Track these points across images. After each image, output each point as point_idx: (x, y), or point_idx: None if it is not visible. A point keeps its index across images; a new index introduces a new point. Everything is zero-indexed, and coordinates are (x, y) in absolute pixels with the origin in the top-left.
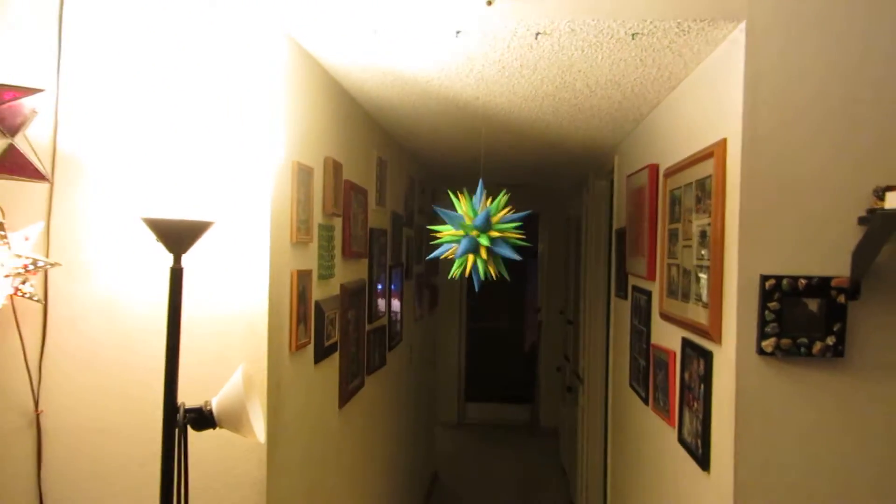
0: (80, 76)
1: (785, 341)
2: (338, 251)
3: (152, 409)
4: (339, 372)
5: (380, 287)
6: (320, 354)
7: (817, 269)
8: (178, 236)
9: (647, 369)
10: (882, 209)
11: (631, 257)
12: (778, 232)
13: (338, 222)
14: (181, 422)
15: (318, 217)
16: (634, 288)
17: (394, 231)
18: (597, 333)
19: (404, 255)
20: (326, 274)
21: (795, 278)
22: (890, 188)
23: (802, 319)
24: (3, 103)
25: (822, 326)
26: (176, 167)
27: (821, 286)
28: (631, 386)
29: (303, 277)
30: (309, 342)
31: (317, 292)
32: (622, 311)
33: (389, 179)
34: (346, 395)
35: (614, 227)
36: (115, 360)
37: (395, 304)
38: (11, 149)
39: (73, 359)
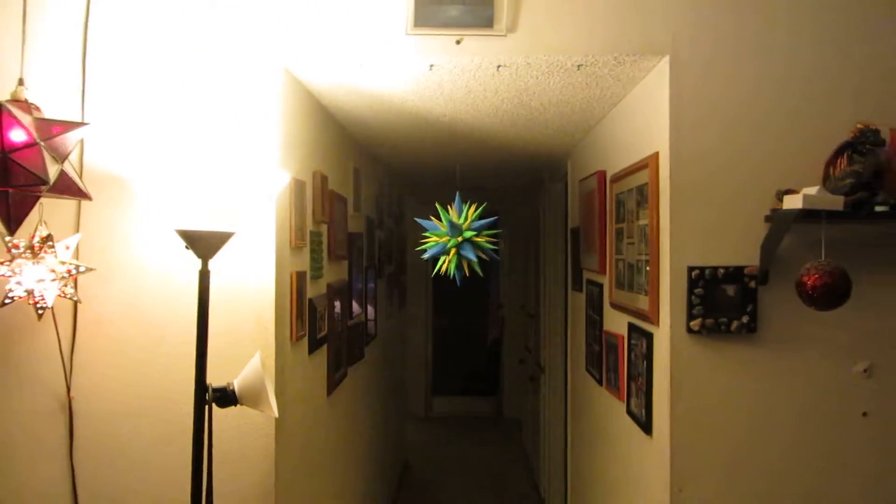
0: (102, 104)
1: (709, 321)
2: (325, 254)
3: (172, 394)
4: (328, 362)
5: (358, 286)
6: (313, 346)
7: (733, 260)
8: (206, 245)
9: (600, 353)
10: (781, 209)
11: (585, 254)
12: (701, 230)
13: (325, 228)
14: (209, 399)
15: (309, 224)
16: (588, 281)
17: (368, 234)
18: (556, 325)
19: (377, 256)
20: (316, 275)
21: (715, 268)
22: (788, 192)
23: (722, 302)
24: (54, 136)
25: (738, 308)
26: (198, 185)
27: (735, 274)
28: (587, 370)
29: (300, 278)
30: (305, 334)
31: (310, 291)
32: (578, 302)
33: (364, 186)
34: (332, 384)
35: (569, 226)
36: (138, 352)
37: (371, 301)
38: (62, 173)
39: (100, 350)
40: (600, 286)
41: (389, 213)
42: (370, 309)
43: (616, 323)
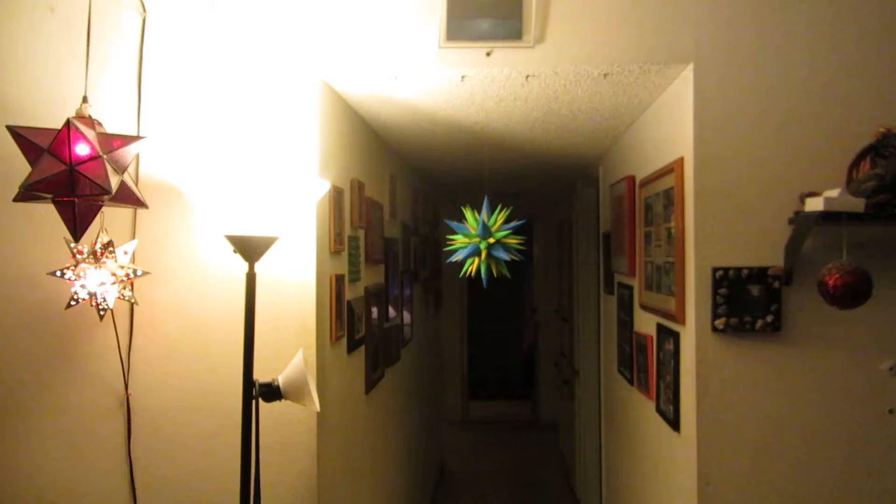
0: (155, 118)
1: (733, 320)
2: (362, 258)
3: (220, 391)
4: (365, 362)
5: (394, 290)
6: (351, 346)
7: (756, 261)
8: (252, 248)
9: (631, 354)
10: (804, 212)
11: (615, 257)
12: (725, 232)
13: (361, 233)
14: (256, 394)
15: (347, 230)
16: (619, 284)
17: (404, 240)
18: (590, 328)
19: (412, 261)
20: (354, 278)
21: (739, 269)
22: (811, 194)
23: (746, 302)
24: (115, 149)
25: (762, 307)
26: (244, 192)
27: (759, 275)
28: (619, 371)
29: (338, 280)
30: (343, 335)
31: (348, 293)
32: (610, 305)
33: (399, 193)
34: (370, 383)
35: (601, 230)
36: (189, 350)
37: (407, 305)
38: (122, 183)
39: (155, 349)
40: (630, 288)
41: (424, 219)
42: (406, 313)
43: (645, 324)
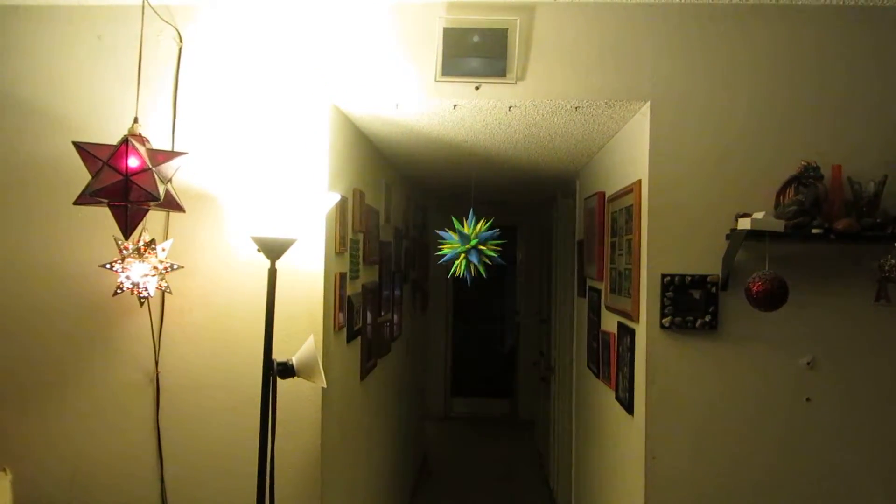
0: (189, 135)
1: (678, 319)
2: (361, 259)
3: (239, 370)
4: (361, 352)
5: (387, 289)
6: (350, 336)
7: (698, 269)
8: (275, 248)
9: (597, 350)
10: (737, 229)
11: (587, 263)
12: (673, 244)
13: (361, 237)
14: (274, 371)
15: (349, 234)
16: (590, 288)
17: (396, 243)
18: (566, 328)
19: (403, 262)
20: (354, 276)
21: (684, 276)
22: (744, 215)
23: (689, 304)
24: (160, 163)
25: (702, 309)
26: (266, 199)
27: (700, 281)
28: (588, 366)
29: (342, 278)
30: (344, 326)
31: (349, 289)
32: (582, 307)
33: (394, 201)
34: (365, 371)
35: (576, 238)
36: (212, 335)
37: (397, 303)
38: (167, 192)
39: (183, 334)
40: (599, 291)
41: (415, 224)
42: (396, 310)
43: (609, 323)
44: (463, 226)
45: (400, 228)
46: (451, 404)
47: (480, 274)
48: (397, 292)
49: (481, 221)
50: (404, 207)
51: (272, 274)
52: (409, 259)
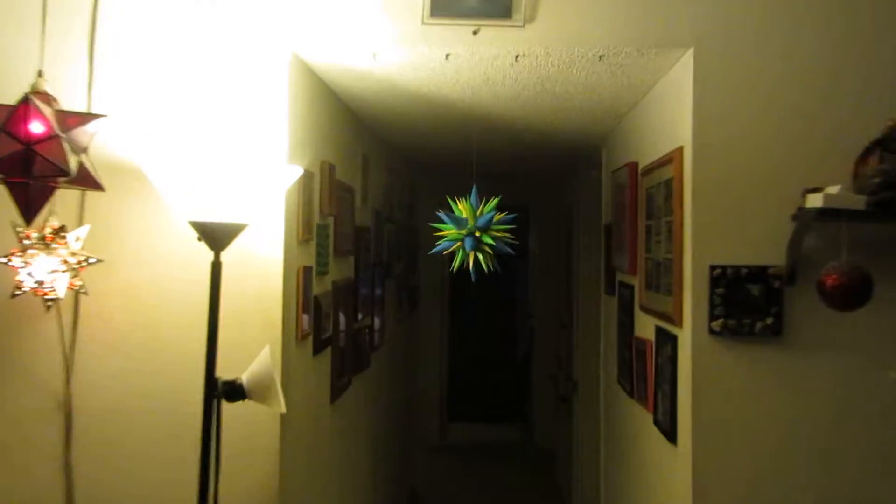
0: (108, 94)
1: (731, 322)
2: (331, 249)
3: (174, 390)
4: (332, 367)
5: (364, 286)
6: (318, 347)
7: (756, 259)
8: (220, 236)
9: (630, 361)
10: (805, 208)
11: (616, 252)
12: (723, 227)
13: (331, 221)
14: (219, 392)
15: (316, 217)
16: (620, 283)
17: (376, 228)
18: (591, 335)
19: (386, 252)
20: (322, 271)
21: (738, 267)
22: (813, 190)
23: (746, 303)
24: (71, 128)
25: (762, 309)
26: (209, 175)
27: (759, 274)
28: (618, 382)
29: (306, 273)
30: (310, 333)
31: (316, 287)
32: (610, 308)
33: (372, 175)
34: (336, 392)
35: (603, 221)
36: (140, 346)
37: (378, 304)
38: (81, 165)
39: (102, 344)
40: (631, 288)
41: (400, 204)
42: (377, 313)
43: (645, 327)
44: (459, 206)
45: (381, 210)
46: (447, 430)
47: (489, 268)
48: (378, 290)
49: (493, 199)
50: (386, 184)
51: (216, 268)
52: (394, 248)
